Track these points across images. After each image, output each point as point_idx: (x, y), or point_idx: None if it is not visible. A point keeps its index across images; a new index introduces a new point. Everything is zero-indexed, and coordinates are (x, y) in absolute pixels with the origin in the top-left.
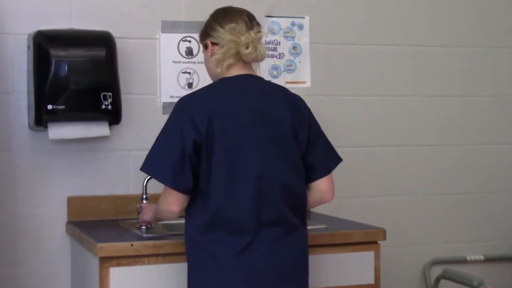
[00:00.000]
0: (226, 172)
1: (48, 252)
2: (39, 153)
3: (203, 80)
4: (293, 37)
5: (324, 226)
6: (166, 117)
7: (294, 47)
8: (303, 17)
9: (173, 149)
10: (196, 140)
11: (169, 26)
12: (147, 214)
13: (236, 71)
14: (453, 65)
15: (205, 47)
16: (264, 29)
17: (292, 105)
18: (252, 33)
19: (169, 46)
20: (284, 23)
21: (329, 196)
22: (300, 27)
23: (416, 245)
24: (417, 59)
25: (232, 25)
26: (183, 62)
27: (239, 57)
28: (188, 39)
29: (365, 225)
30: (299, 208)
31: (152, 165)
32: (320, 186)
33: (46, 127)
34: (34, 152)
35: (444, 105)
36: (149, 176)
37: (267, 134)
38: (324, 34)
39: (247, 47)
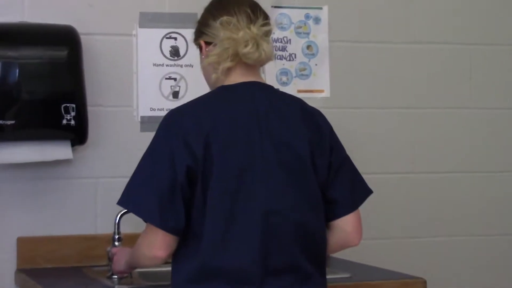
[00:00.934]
0: (225, 207)
1: None
2: None
3: (192, 88)
4: (308, 34)
5: (347, 276)
6: (145, 135)
7: (308, 46)
8: (321, 8)
9: (160, 178)
10: (190, 167)
11: (149, 19)
12: (120, 262)
13: (237, 77)
14: None
15: (200, 48)
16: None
17: (310, 123)
18: (254, 28)
19: (149, 44)
20: (296, 15)
21: (356, 238)
22: (317, 20)
23: None
24: (471, 61)
25: (225, 18)
26: (167, 65)
27: (238, 59)
28: (174, 35)
29: (399, 274)
30: (316, 253)
31: (132, 198)
32: (344, 225)
33: None
34: None
35: (505, 121)
36: (123, 211)
37: (278, 160)
38: (347, 30)
39: (246, 45)
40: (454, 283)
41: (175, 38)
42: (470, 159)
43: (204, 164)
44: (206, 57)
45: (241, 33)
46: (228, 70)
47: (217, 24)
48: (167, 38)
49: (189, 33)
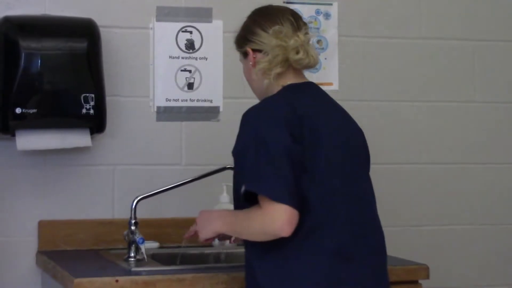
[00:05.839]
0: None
1: None
2: (4, 166)
3: (206, 79)
4: (318, 28)
5: None
6: (160, 124)
7: (318, 41)
8: (331, 4)
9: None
10: (293, 148)
11: (166, 13)
12: (212, 223)
13: (288, 81)
14: None
15: (244, 55)
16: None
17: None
18: (301, 35)
19: (166, 37)
20: (307, 11)
21: None
22: (327, 16)
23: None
24: (478, 56)
25: (277, 27)
26: (183, 58)
27: (287, 64)
28: (189, 29)
29: (403, 261)
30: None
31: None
32: None
33: (13, 135)
34: None
35: (509, 115)
36: (139, 198)
37: (351, 152)
38: (356, 25)
39: (297, 52)
40: (457, 271)
41: (191, 32)
42: (473, 151)
43: (305, 143)
44: (258, 64)
45: (292, 41)
46: (279, 75)
47: (268, 33)
48: (182, 31)
49: (204, 26)
